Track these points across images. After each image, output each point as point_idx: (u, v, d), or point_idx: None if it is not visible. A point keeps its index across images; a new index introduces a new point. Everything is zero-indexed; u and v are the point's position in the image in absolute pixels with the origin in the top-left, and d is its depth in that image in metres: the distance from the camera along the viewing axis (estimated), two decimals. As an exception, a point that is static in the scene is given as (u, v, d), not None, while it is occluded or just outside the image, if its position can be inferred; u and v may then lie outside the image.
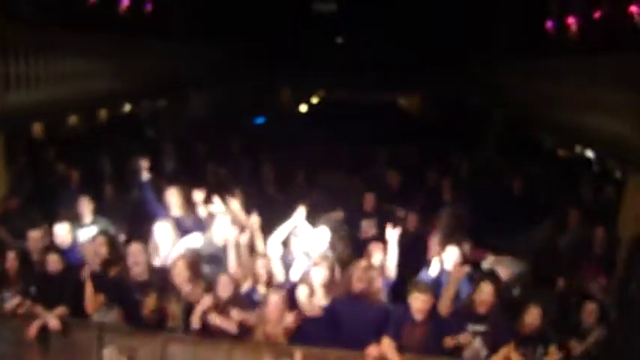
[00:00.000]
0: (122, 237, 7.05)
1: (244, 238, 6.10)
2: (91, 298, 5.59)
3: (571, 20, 13.41)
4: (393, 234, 5.84)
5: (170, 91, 15.11)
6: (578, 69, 10.28)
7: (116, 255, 5.96)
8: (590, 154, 12.80)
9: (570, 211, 7.84)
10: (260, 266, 5.73)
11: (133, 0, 14.04)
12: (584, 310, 5.70)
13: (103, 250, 5.97)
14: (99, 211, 7.31)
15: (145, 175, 7.12)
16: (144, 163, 7.15)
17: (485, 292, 5.53)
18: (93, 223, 7.11)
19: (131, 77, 12.12)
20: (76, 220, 7.01)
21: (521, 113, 13.23)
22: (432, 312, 5.29)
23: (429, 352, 5.23)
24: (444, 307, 5.41)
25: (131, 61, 12.06)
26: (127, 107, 14.60)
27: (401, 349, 5.20)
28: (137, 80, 12.43)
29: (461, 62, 16.84)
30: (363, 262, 5.50)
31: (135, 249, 5.71)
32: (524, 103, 12.92)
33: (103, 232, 6.37)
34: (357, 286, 5.38)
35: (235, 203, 6.54)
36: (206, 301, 5.20)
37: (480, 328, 5.49)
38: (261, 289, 5.71)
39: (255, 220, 6.27)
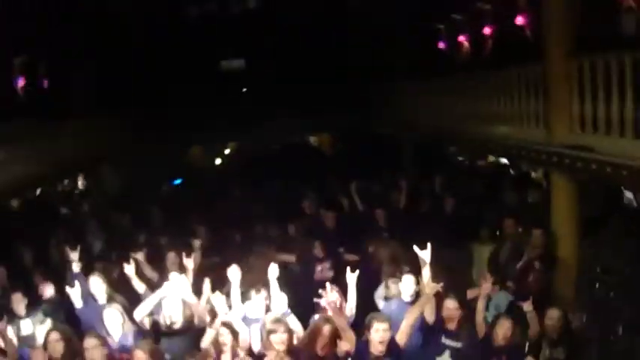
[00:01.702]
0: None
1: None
2: None
3: (461, 39, 14.13)
4: (352, 277, 5.80)
5: (79, 170, 14.63)
6: (478, 83, 10.71)
7: (72, 351, 5.60)
8: (504, 161, 13.41)
9: (505, 220, 8.14)
10: (223, 334, 5.55)
11: (29, 81, 13.62)
12: (547, 316, 5.84)
13: (59, 348, 5.59)
14: (33, 305, 6.99)
15: (75, 267, 6.86)
16: (73, 255, 6.88)
17: (451, 307, 5.67)
18: (27, 316, 6.82)
19: (37, 161, 11.61)
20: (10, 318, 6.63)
21: (431, 133, 13.61)
22: (391, 344, 5.29)
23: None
24: (403, 336, 5.42)
25: (35, 145, 11.55)
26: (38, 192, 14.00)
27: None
28: (44, 164, 11.92)
29: (365, 95, 17.26)
30: (325, 328, 5.35)
31: (90, 344, 5.39)
32: (432, 123, 13.31)
33: (56, 328, 5.92)
34: (323, 351, 5.31)
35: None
36: None
37: (452, 343, 5.61)
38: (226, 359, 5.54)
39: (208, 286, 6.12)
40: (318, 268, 8.03)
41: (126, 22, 16.08)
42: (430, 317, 5.68)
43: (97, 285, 6.83)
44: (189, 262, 6.72)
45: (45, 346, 5.66)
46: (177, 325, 6.12)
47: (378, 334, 5.21)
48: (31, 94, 13.93)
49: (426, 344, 5.74)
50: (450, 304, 5.69)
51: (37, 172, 11.46)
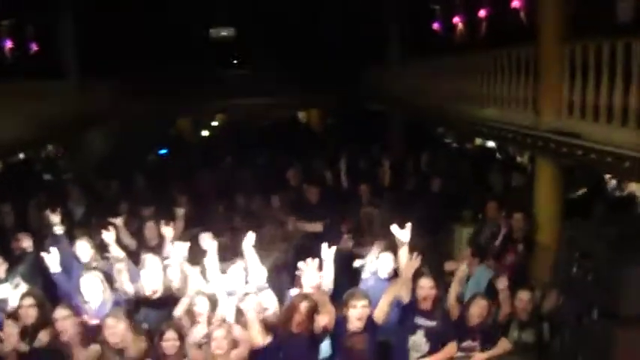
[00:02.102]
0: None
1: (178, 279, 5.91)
2: None
3: (456, 20, 14.04)
4: (328, 252, 5.77)
5: (65, 133, 14.48)
6: (469, 64, 10.63)
7: (45, 318, 5.52)
8: (491, 144, 13.41)
9: (488, 203, 8.14)
10: (200, 304, 5.53)
11: (17, 42, 13.43)
12: (517, 298, 5.86)
13: (32, 313, 5.52)
14: (12, 267, 6.92)
15: (58, 229, 6.77)
16: (54, 217, 6.79)
17: (425, 286, 5.66)
18: (6, 280, 6.71)
19: (22, 123, 11.47)
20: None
21: (421, 112, 13.58)
22: (369, 320, 5.30)
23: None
24: (381, 313, 5.41)
25: (21, 106, 11.39)
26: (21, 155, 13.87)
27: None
28: (29, 126, 11.77)
29: (357, 73, 17.14)
30: (303, 305, 5.23)
31: (61, 314, 5.32)
32: (423, 103, 13.26)
33: (30, 293, 5.84)
34: (298, 328, 5.25)
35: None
36: None
37: (426, 322, 5.62)
38: (201, 329, 5.51)
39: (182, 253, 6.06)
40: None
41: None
42: (405, 297, 5.66)
43: (84, 249, 6.77)
44: (168, 231, 6.67)
45: (17, 311, 5.60)
46: (158, 295, 6.08)
47: (356, 310, 5.22)
48: (19, 56, 13.75)
49: (400, 323, 5.73)
50: (425, 283, 5.65)
51: (22, 135, 11.34)
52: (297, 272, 5.51)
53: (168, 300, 6.02)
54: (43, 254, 6.26)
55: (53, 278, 6.40)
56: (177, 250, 5.99)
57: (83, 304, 5.96)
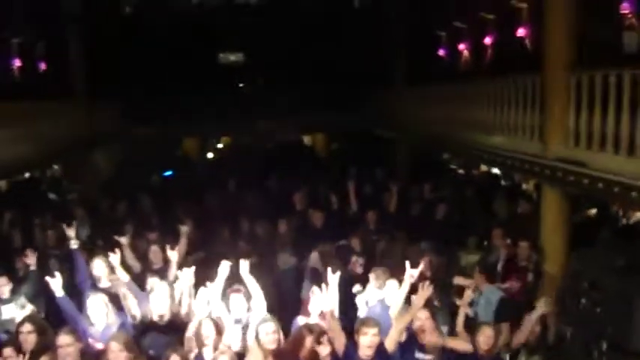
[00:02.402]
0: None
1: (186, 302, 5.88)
2: None
3: (462, 47, 14.13)
4: (334, 277, 5.73)
5: (70, 153, 14.55)
6: (475, 92, 10.68)
7: (44, 344, 5.43)
8: (496, 171, 13.41)
9: (493, 230, 8.12)
10: (205, 328, 5.48)
11: (26, 61, 13.53)
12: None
13: (31, 340, 5.43)
14: (17, 287, 6.91)
15: (74, 243, 6.76)
16: (69, 232, 6.79)
17: (422, 318, 5.61)
18: (10, 301, 6.72)
19: (28, 142, 11.52)
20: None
21: (427, 139, 13.61)
22: (379, 348, 5.21)
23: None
24: (392, 342, 5.33)
25: (28, 126, 11.44)
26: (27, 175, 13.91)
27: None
28: (35, 145, 11.82)
29: (362, 98, 17.22)
30: (308, 340, 5.14)
31: (64, 341, 5.20)
32: (428, 129, 13.31)
33: (30, 319, 5.76)
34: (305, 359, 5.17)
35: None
36: None
37: (426, 357, 5.54)
38: (208, 354, 5.46)
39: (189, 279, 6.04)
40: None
41: (125, 11, 16.02)
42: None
43: (100, 268, 6.73)
44: (174, 255, 6.64)
45: (17, 336, 5.53)
46: (164, 320, 6.02)
47: (367, 337, 5.12)
48: (27, 75, 13.84)
49: (401, 357, 5.64)
50: (422, 315, 5.58)
51: (28, 154, 11.37)
52: (304, 299, 5.44)
53: (176, 325, 5.96)
54: (47, 278, 6.20)
55: (57, 301, 6.35)
56: (184, 275, 5.96)
57: (88, 326, 5.91)
